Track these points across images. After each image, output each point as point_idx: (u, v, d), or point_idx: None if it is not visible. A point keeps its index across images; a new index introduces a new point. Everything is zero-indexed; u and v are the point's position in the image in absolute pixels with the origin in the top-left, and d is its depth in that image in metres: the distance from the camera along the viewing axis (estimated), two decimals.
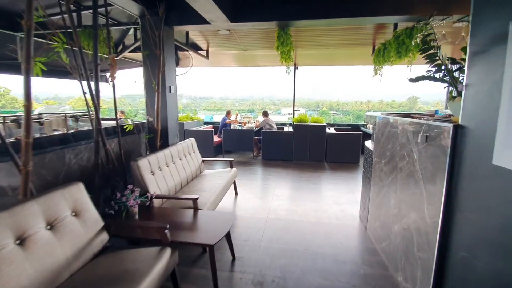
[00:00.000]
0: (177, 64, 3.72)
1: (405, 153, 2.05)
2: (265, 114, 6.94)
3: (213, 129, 7.00)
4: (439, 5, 3.07)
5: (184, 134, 6.78)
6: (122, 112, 8.08)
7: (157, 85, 3.24)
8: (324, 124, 6.32)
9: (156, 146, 3.31)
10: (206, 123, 8.41)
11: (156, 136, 3.33)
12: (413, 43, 3.45)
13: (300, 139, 6.32)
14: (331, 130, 6.96)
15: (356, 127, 7.68)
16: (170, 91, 3.51)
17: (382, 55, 4.61)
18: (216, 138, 7.16)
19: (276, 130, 6.84)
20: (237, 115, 7.94)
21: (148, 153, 3.44)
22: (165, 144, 3.58)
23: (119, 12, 3.56)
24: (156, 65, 3.25)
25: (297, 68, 7.51)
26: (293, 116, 7.55)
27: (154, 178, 2.79)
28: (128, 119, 3.44)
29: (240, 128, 7.02)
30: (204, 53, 5.73)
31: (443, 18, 2.96)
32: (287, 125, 8.04)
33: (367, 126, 7.29)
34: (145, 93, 3.44)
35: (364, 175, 3.26)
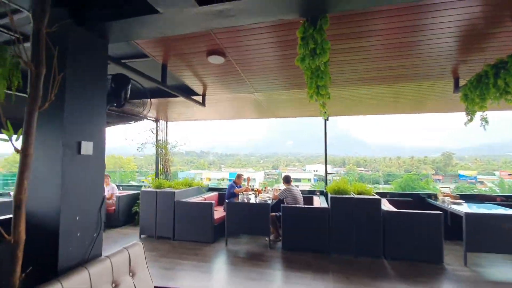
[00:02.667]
0: (121, 106, 2.14)
1: None
2: (286, 180, 4.98)
3: (214, 202, 5.08)
4: None
5: (174, 207, 4.92)
6: (107, 176, 6.59)
7: (27, 135, 1.48)
8: (377, 197, 4.17)
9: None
10: (210, 189, 6.56)
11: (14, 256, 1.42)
12: None
13: (340, 220, 4.15)
14: (383, 202, 4.73)
15: (418, 198, 5.36)
16: (79, 152, 1.73)
17: (480, 91, 2.77)
18: (220, 213, 5.19)
19: (302, 205, 4.77)
20: (248, 180, 6.05)
21: None
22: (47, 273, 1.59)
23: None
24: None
25: (327, 119, 5.78)
26: (326, 182, 5.48)
27: None
28: None
29: (250, 197, 5.03)
30: (199, 98, 4.24)
31: None
32: (317, 193, 5.93)
33: (439, 198, 4.97)
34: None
35: None
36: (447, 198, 4.71)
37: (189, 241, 4.83)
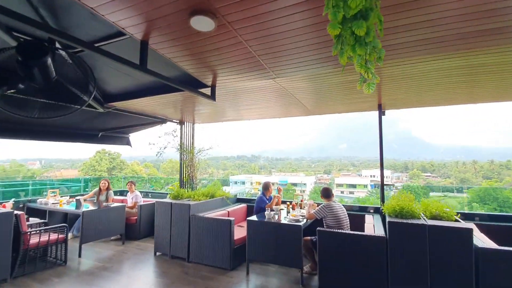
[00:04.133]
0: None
1: None
2: (326, 194, 3.78)
3: (234, 218, 4.16)
4: None
5: (190, 222, 4.17)
6: (132, 183, 6.25)
7: None
8: (466, 226, 2.71)
9: None
10: (239, 200, 5.69)
11: None
12: None
13: (403, 255, 2.82)
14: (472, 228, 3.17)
15: None
16: None
17: None
18: (245, 232, 4.26)
19: (347, 229, 3.54)
20: (280, 190, 4.99)
21: None
22: None
23: None
24: None
25: (383, 114, 4.41)
26: (383, 195, 4.10)
27: None
28: None
29: (280, 214, 3.99)
30: (207, 91, 3.40)
31: None
32: (370, 210, 4.55)
33: None
34: None
35: None
36: None
37: (205, 265, 4.01)
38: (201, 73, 3.01)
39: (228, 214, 4.77)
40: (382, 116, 4.31)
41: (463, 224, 2.75)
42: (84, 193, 6.63)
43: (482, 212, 4.09)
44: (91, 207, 4.81)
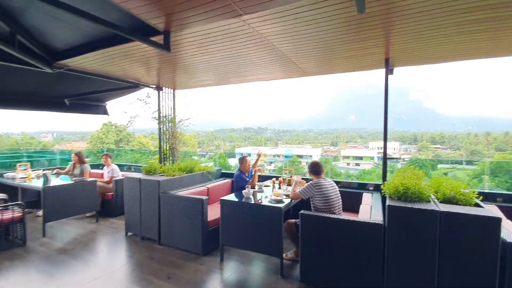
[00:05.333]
0: None
1: None
2: (315, 170, 3.10)
3: (207, 196, 3.58)
4: None
5: (159, 201, 3.64)
6: (108, 156, 5.71)
7: None
8: (491, 214, 2.03)
9: None
10: (224, 175, 5.12)
11: None
12: None
13: (404, 245, 2.21)
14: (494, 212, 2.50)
15: None
16: None
17: None
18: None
19: (337, 215, 2.94)
20: (260, 156, 4.36)
21: None
22: None
23: None
24: None
25: (391, 72, 3.59)
26: (385, 172, 3.41)
27: None
28: None
29: (262, 193, 3.40)
30: (159, 39, 2.63)
31: None
32: (370, 188, 3.90)
33: None
34: None
35: None
36: None
37: (176, 248, 3.54)
38: (149, 13, 2.24)
39: (208, 191, 4.23)
40: (390, 76, 3.49)
41: (487, 211, 2.08)
42: (64, 166, 6.18)
43: (505, 191, 3.42)
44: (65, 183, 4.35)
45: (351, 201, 3.66)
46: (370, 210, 2.86)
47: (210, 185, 4.38)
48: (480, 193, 3.16)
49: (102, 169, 5.94)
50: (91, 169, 5.49)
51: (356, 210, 3.06)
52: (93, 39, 3.08)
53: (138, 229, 3.90)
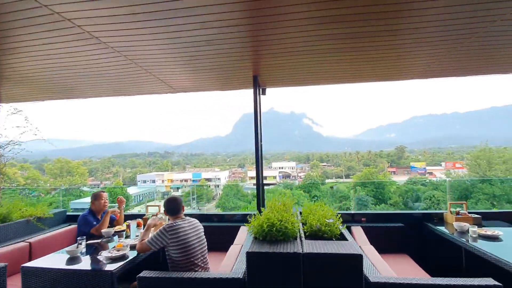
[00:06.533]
0: None
1: None
2: (171, 207, 2.37)
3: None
4: None
5: None
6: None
7: None
8: (355, 252, 1.79)
9: None
10: (70, 219, 3.76)
11: None
12: None
13: None
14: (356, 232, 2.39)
15: (411, 221, 3.18)
16: None
17: None
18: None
19: (185, 275, 2.27)
20: (121, 202, 3.31)
21: None
22: None
23: None
24: None
25: (263, 92, 3.38)
26: (259, 197, 3.02)
27: None
28: None
29: (102, 240, 2.42)
30: None
31: None
32: (249, 218, 3.48)
33: (447, 220, 2.80)
34: None
35: None
36: (464, 224, 2.57)
37: None
38: None
39: (31, 247, 2.86)
40: (262, 96, 3.27)
41: (350, 246, 1.84)
42: None
43: (369, 211, 3.62)
44: None
45: (232, 237, 3.11)
46: (238, 252, 2.33)
47: (40, 237, 3.01)
48: (347, 215, 3.16)
49: None
50: None
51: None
52: None
53: None
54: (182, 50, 2.28)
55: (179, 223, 2.28)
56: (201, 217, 3.14)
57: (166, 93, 3.55)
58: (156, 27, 1.92)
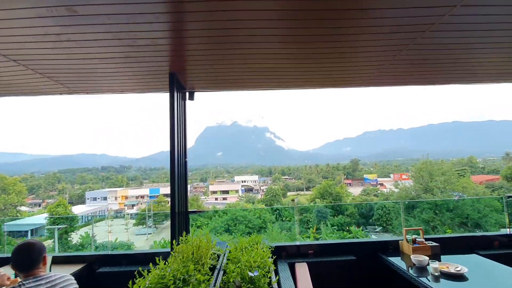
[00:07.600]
0: None
1: None
2: (19, 261, 1.58)
3: None
4: None
5: None
6: None
7: None
8: None
9: None
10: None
11: None
12: None
13: None
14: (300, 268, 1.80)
15: (363, 253, 2.73)
16: None
17: None
18: None
19: None
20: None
21: None
22: None
23: None
24: None
25: (191, 97, 2.74)
26: (173, 232, 2.31)
27: None
28: None
29: None
30: None
31: None
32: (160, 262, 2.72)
33: (404, 250, 2.39)
34: None
35: None
36: (423, 259, 2.15)
37: None
38: None
39: None
40: (188, 101, 2.62)
41: None
42: None
43: (317, 242, 3.10)
44: None
45: None
46: None
47: None
48: (290, 247, 2.59)
49: None
50: None
51: None
52: None
53: None
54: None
55: (30, 284, 1.47)
56: (99, 260, 2.29)
57: (61, 94, 2.68)
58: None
